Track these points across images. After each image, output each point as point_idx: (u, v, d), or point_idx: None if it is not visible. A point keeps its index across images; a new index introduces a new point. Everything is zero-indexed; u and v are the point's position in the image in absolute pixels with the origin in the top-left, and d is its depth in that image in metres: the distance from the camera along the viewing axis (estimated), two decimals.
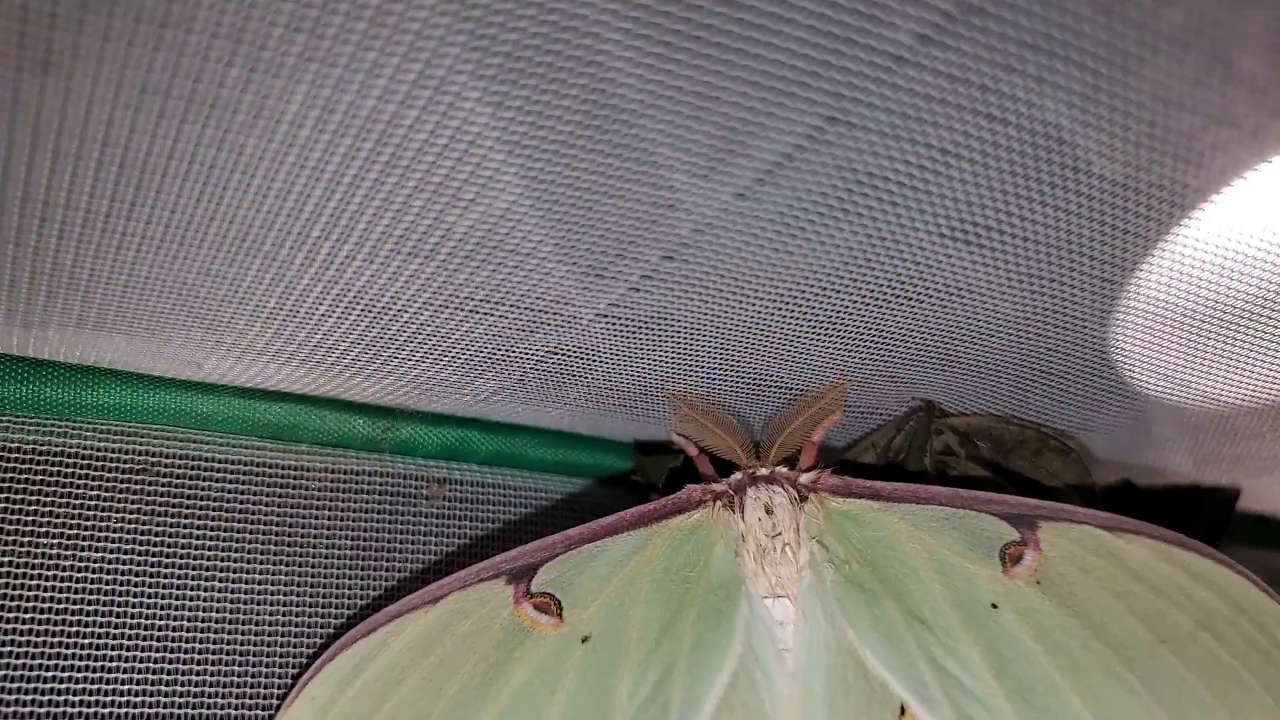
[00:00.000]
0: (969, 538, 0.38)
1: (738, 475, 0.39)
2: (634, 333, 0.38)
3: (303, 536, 0.42)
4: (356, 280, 0.32)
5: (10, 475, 0.39)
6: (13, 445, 0.40)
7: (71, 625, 0.38)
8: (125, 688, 0.39)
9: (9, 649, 0.37)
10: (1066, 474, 0.45)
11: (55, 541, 0.39)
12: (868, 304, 0.38)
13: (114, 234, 0.29)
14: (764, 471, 0.39)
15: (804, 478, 0.38)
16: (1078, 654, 0.36)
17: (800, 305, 0.38)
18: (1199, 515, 0.56)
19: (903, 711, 0.37)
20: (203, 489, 0.41)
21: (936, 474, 0.43)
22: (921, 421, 0.43)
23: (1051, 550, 0.37)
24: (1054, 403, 0.46)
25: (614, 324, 0.37)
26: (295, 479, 0.43)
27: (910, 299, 0.38)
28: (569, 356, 0.39)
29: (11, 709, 0.37)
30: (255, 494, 0.42)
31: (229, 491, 0.42)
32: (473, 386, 0.41)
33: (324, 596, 0.42)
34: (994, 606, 0.37)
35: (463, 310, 0.35)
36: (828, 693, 0.37)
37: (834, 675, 0.37)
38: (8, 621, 0.37)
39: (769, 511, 0.38)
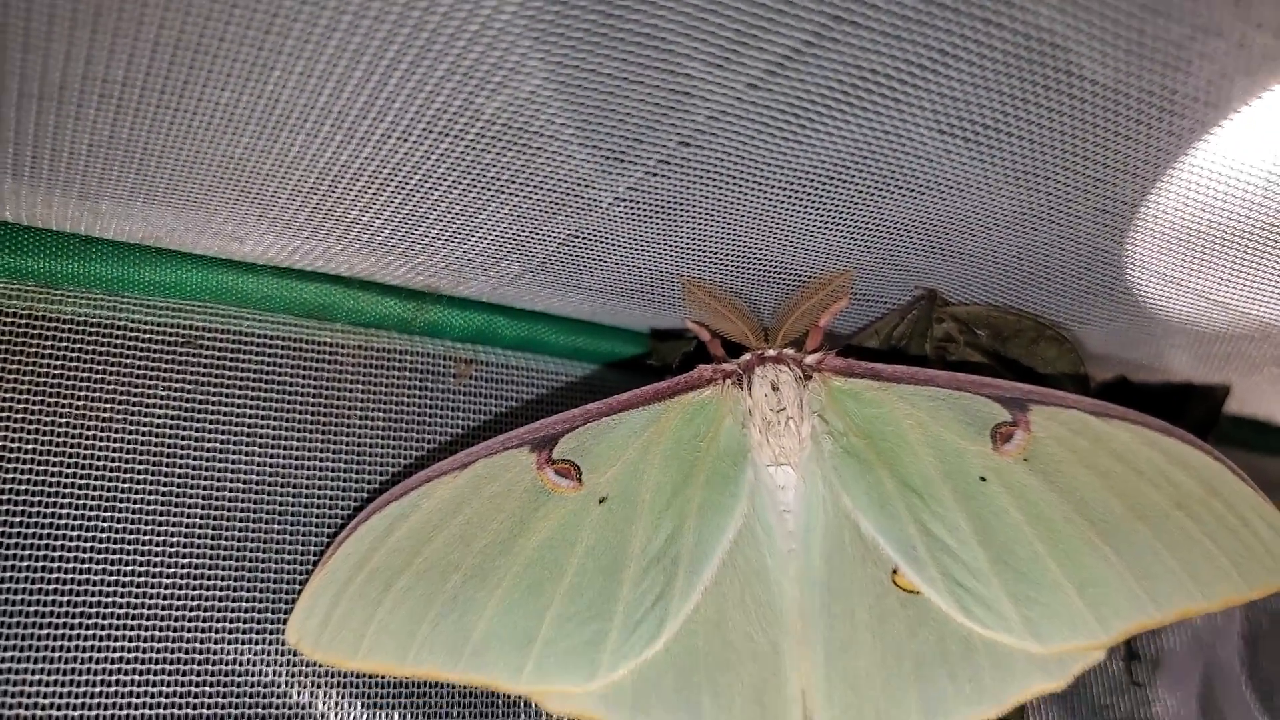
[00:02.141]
0: (963, 417, 0.40)
1: (747, 356, 0.41)
2: (651, 218, 0.40)
3: (337, 408, 0.45)
4: (391, 159, 0.34)
5: (65, 346, 0.43)
6: (66, 317, 0.43)
7: (124, 483, 0.41)
8: (174, 539, 0.42)
9: (69, 498, 0.40)
10: (1061, 363, 0.48)
11: (108, 406, 0.43)
12: (872, 195, 0.39)
13: (169, 110, 0.32)
14: (771, 353, 0.41)
15: (809, 359, 0.41)
16: (1059, 525, 0.39)
17: (808, 194, 0.40)
18: (1189, 410, 0.58)
19: (895, 571, 0.40)
20: (244, 362, 0.44)
21: (936, 359, 0.45)
22: (923, 309, 0.46)
23: (1041, 431, 0.40)
24: (1050, 295, 0.48)
25: (632, 208, 0.39)
26: (330, 355, 0.46)
27: (912, 191, 0.40)
28: (589, 240, 0.41)
29: (73, 551, 0.40)
30: (293, 368, 0.45)
31: (268, 365, 0.44)
32: (498, 269, 0.43)
33: (358, 464, 0.45)
34: (982, 480, 0.39)
35: (489, 191, 0.37)
36: (824, 551, 0.40)
37: (830, 536, 0.40)
38: (68, 473, 0.40)
39: (775, 389, 0.40)
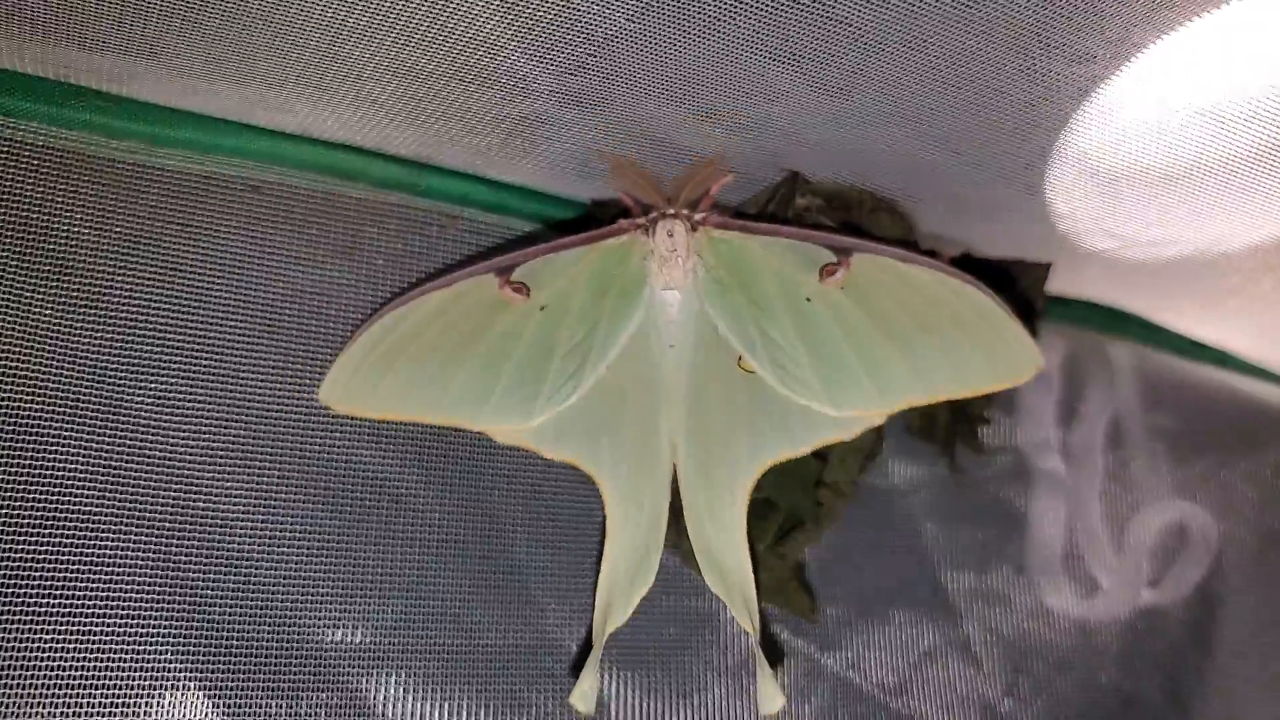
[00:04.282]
0: (800, 258, 0.55)
1: (653, 214, 0.57)
2: (587, 107, 0.56)
3: (356, 245, 0.61)
4: (400, 49, 0.50)
5: (169, 192, 0.57)
6: (170, 168, 0.57)
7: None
8: (221, 351, 0.57)
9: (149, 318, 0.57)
10: (893, 230, 0.63)
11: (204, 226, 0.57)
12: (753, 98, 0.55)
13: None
14: (671, 211, 0.57)
15: (697, 216, 0.56)
16: (860, 332, 0.55)
17: (707, 97, 0.55)
18: (1018, 281, 0.73)
19: (740, 359, 0.56)
20: (295, 207, 0.59)
21: (796, 222, 0.61)
22: (788, 186, 0.61)
23: (858, 269, 0.55)
24: (890, 177, 0.63)
25: (569, 99, 0.55)
26: (354, 206, 0.60)
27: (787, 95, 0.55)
28: (535, 124, 0.57)
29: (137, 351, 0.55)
30: (326, 214, 0.60)
31: (310, 210, 0.59)
32: (474, 143, 0.59)
33: (370, 287, 0.61)
34: (808, 300, 0.55)
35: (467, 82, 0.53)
36: (693, 346, 0.56)
37: (698, 336, 0.56)
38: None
39: (670, 235, 0.56)
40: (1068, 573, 0.82)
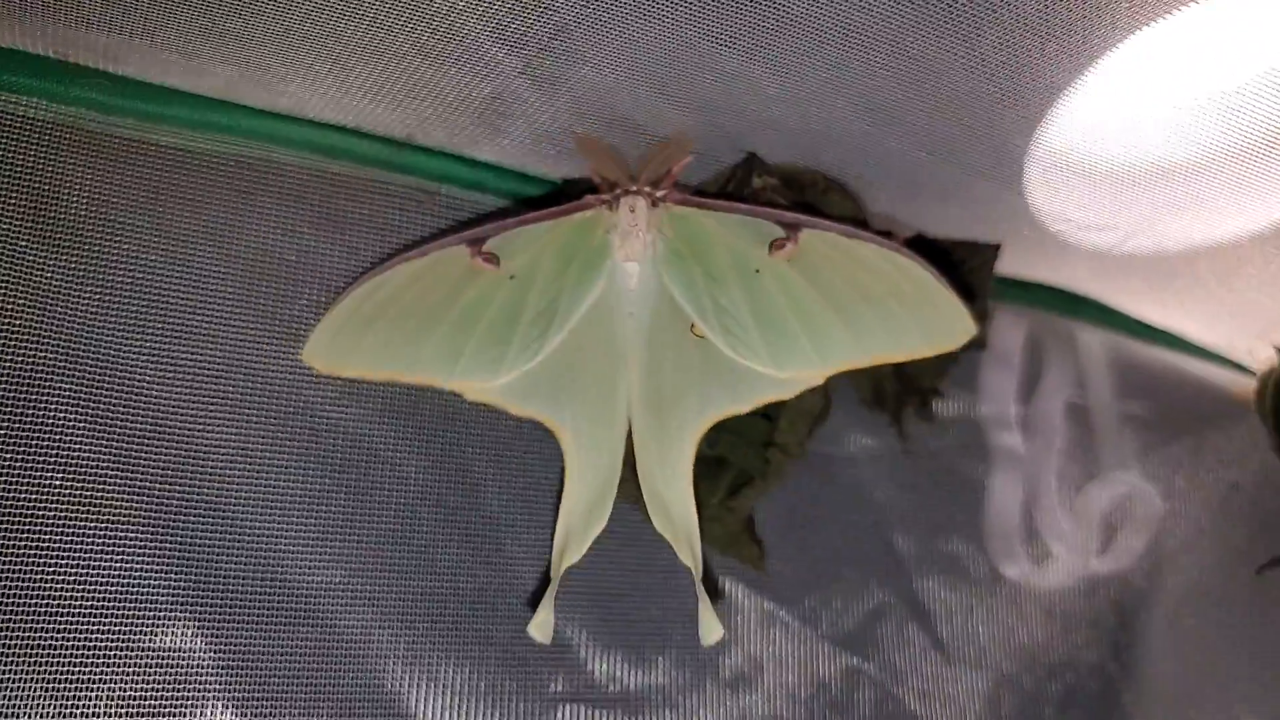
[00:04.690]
0: (752, 233, 0.59)
1: (618, 191, 0.61)
2: (549, 89, 0.59)
3: (340, 217, 0.65)
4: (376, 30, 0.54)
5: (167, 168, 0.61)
6: (165, 144, 0.61)
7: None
8: (210, 313, 0.60)
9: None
10: (844, 209, 0.67)
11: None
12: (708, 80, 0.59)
13: None
14: (634, 188, 0.60)
15: (659, 193, 0.60)
16: (805, 302, 0.58)
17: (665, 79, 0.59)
18: (965, 262, 0.77)
19: (693, 326, 0.60)
20: (281, 180, 0.63)
21: (752, 201, 0.65)
22: (745, 167, 0.65)
23: (805, 244, 0.59)
24: (844, 159, 0.67)
25: (536, 81, 0.59)
26: (338, 180, 0.65)
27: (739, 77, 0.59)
28: (505, 100, 0.61)
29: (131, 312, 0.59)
30: (315, 188, 0.64)
31: (297, 184, 0.63)
32: (450, 123, 0.63)
33: (347, 257, 0.64)
34: (758, 272, 0.59)
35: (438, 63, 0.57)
36: (650, 313, 0.60)
37: (655, 304, 0.60)
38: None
39: (632, 211, 0.60)
40: (1022, 541, 0.86)
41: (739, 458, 0.64)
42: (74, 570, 0.54)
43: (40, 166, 0.58)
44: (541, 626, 0.60)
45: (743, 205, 0.61)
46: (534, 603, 0.61)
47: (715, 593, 0.67)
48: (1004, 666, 0.82)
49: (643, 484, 0.61)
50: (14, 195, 0.57)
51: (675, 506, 0.61)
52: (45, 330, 0.56)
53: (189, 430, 0.58)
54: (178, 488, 0.57)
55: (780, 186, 0.65)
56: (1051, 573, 0.87)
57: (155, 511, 0.57)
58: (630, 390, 0.60)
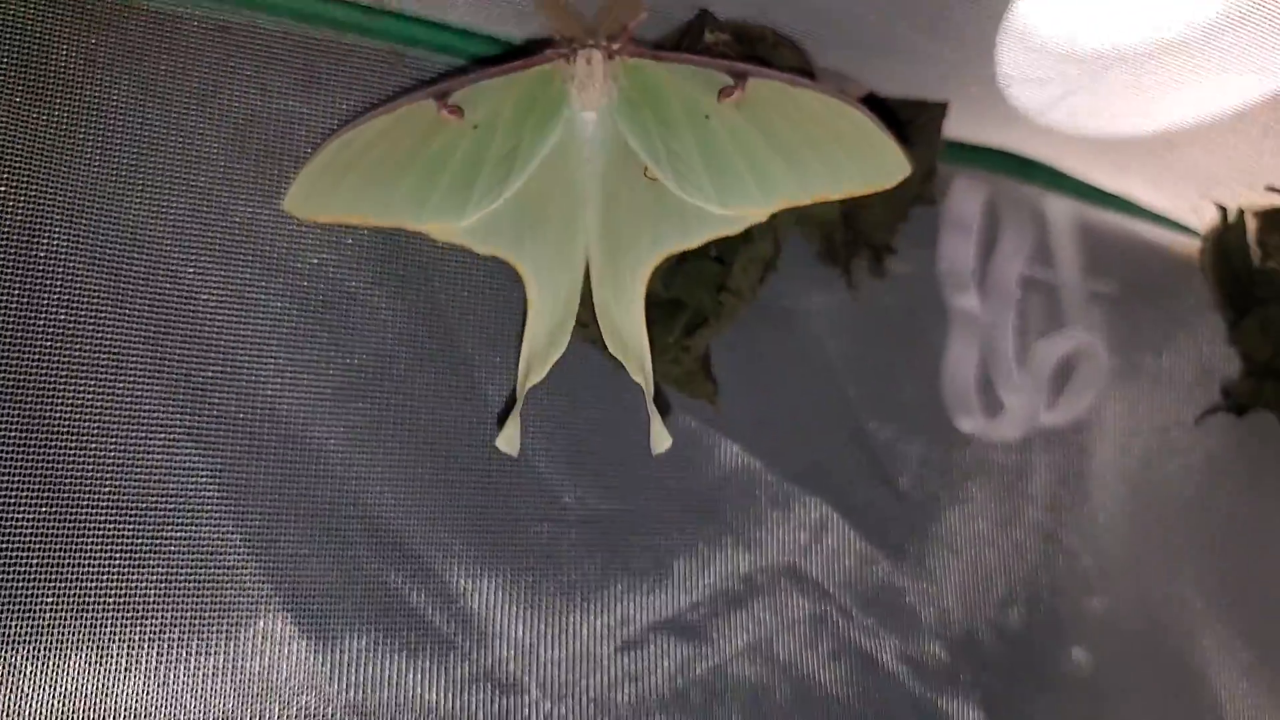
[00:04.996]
0: (704, 82, 0.63)
1: (575, 44, 0.64)
2: None
3: (314, 79, 0.68)
4: None
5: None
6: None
7: None
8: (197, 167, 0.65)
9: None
10: (792, 62, 0.70)
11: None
12: None
13: None
14: (590, 41, 0.64)
15: (615, 46, 0.64)
16: (751, 145, 0.62)
17: None
18: (914, 119, 0.80)
19: (646, 169, 0.64)
20: (266, 46, 0.67)
21: (705, 54, 0.69)
22: (699, 23, 0.68)
23: (752, 92, 0.62)
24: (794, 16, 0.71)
25: None
26: (315, 46, 0.68)
27: None
28: None
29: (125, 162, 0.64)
30: (285, 52, 0.67)
31: (279, 49, 0.68)
32: None
33: (324, 116, 0.68)
34: (708, 118, 0.63)
35: None
36: (606, 157, 0.64)
37: (611, 149, 0.64)
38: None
39: (589, 63, 0.63)
40: (976, 396, 0.91)
41: (694, 299, 0.69)
42: (86, 427, 0.60)
43: (35, 27, 0.62)
44: (508, 440, 0.65)
45: (694, 57, 0.65)
46: (499, 419, 0.67)
47: (664, 409, 0.72)
48: (954, 513, 0.88)
49: (599, 314, 0.65)
50: (8, 52, 0.61)
51: (628, 333, 0.66)
52: (44, 178, 0.61)
53: (183, 274, 0.63)
54: (174, 327, 0.63)
55: (732, 41, 0.68)
56: (1005, 423, 0.92)
57: (153, 354, 0.62)
58: (587, 229, 0.65)
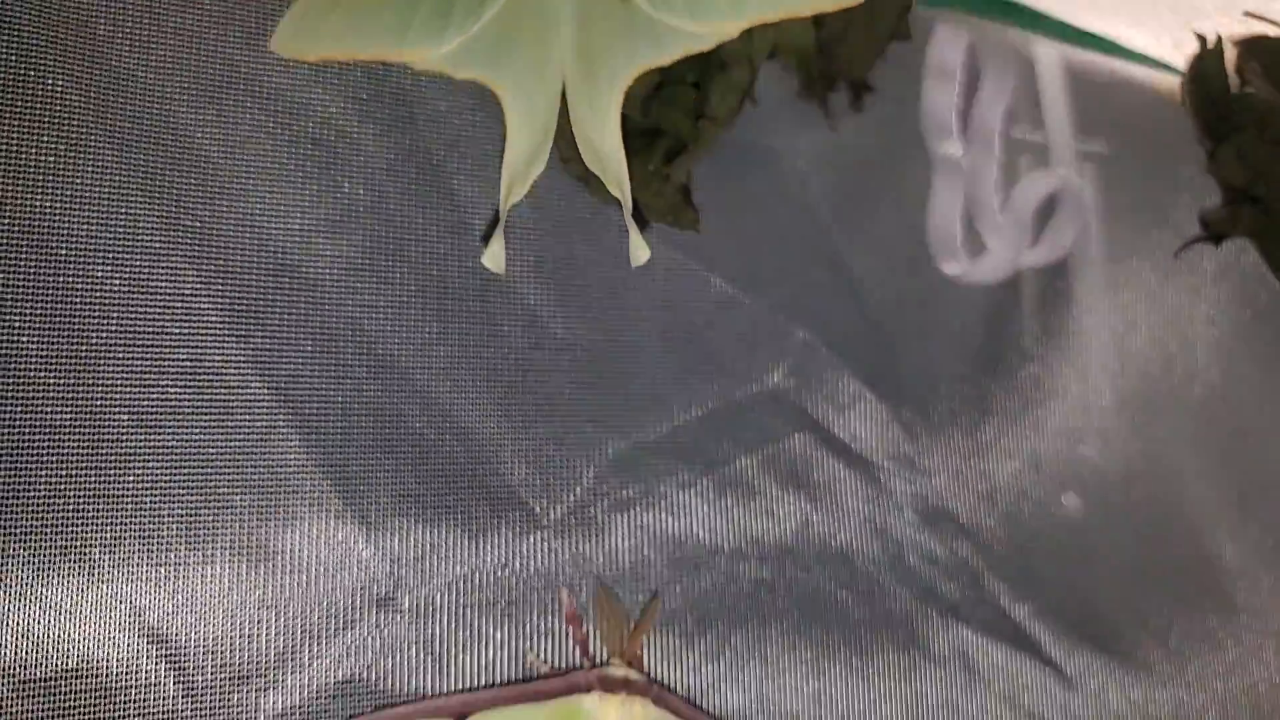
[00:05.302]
0: None
1: None
2: None
3: None
4: None
5: None
6: None
7: None
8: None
9: None
10: None
11: None
12: None
13: None
14: None
15: None
16: None
17: None
18: None
19: None
20: None
21: None
22: None
23: None
24: None
25: None
26: None
27: None
28: None
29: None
30: None
31: None
32: None
33: None
34: None
35: None
36: None
37: None
38: None
39: None
40: (959, 237, 0.93)
41: (672, 126, 0.71)
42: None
43: None
44: (493, 257, 0.68)
45: None
46: (484, 238, 0.70)
47: (642, 222, 0.74)
48: (932, 347, 0.90)
49: (574, 129, 0.68)
50: None
51: (604, 148, 0.68)
52: (35, 21, 0.63)
53: (183, 118, 0.66)
54: (180, 170, 0.65)
55: None
56: (988, 263, 0.94)
57: (149, 183, 0.64)
58: (563, 50, 0.67)
